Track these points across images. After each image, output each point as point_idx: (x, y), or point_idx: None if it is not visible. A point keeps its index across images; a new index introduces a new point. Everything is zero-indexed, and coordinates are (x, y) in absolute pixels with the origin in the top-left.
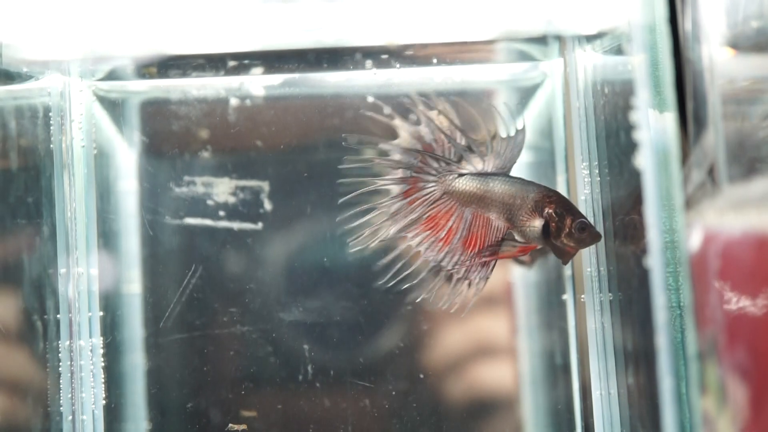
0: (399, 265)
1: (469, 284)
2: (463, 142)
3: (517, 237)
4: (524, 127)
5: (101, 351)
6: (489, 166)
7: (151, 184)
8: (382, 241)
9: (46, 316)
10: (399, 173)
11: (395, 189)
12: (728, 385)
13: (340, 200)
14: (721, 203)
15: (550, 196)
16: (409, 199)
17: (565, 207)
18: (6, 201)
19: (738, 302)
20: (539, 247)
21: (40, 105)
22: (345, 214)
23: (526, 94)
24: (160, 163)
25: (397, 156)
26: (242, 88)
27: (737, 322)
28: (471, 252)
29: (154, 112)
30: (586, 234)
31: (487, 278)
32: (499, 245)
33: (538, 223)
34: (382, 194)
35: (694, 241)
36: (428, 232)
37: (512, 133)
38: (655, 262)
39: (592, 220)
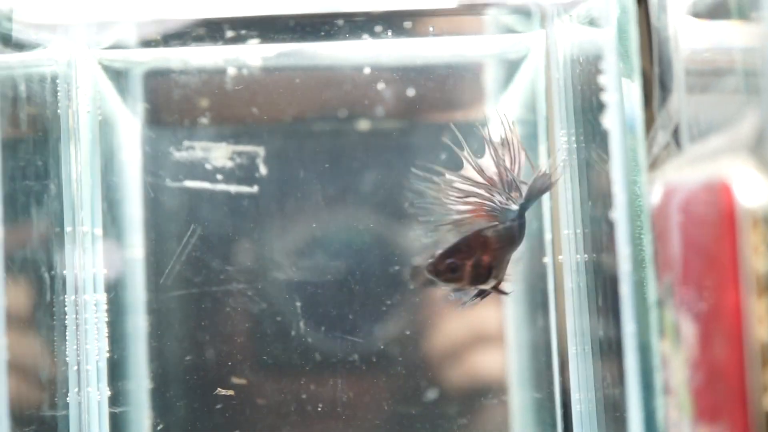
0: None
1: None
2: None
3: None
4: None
5: (105, 307)
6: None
7: (154, 150)
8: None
9: (53, 271)
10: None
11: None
12: (681, 326)
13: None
14: (681, 161)
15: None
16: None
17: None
18: (16, 161)
19: (690, 248)
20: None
21: (48, 72)
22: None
23: (512, 68)
24: (162, 130)
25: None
26: (239, 58)
27: (689, 267)
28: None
29: (157, 81)
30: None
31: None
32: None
33: None
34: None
35: (655, 195)
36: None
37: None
38: (619, 215)
39: (569, 184)
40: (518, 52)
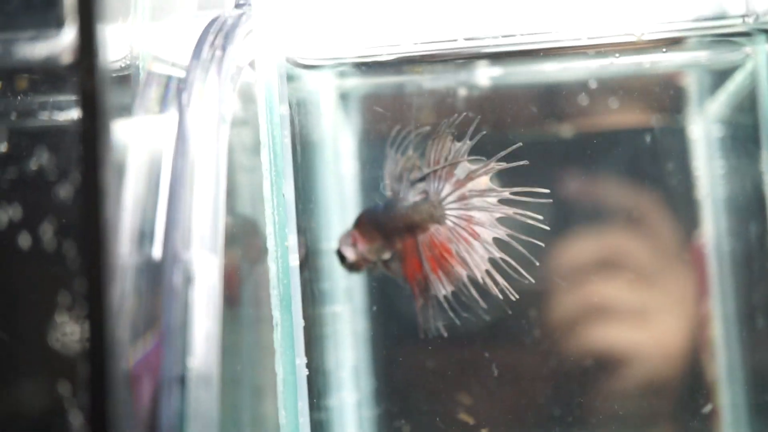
0: None
1: None
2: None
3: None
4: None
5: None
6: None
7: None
8: None
9: (314, 285)
10: None
11: None
12: None
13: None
14: None
15: None
16: None
17: None
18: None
19: None
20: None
21: (309, 99)
22: None
23: (722, 76)
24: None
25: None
26: (467, 79)
27: None
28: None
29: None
30: None
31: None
32: None
33: None
34: None
35: None
36: None
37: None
38: None
39: None
40: (733, 61)
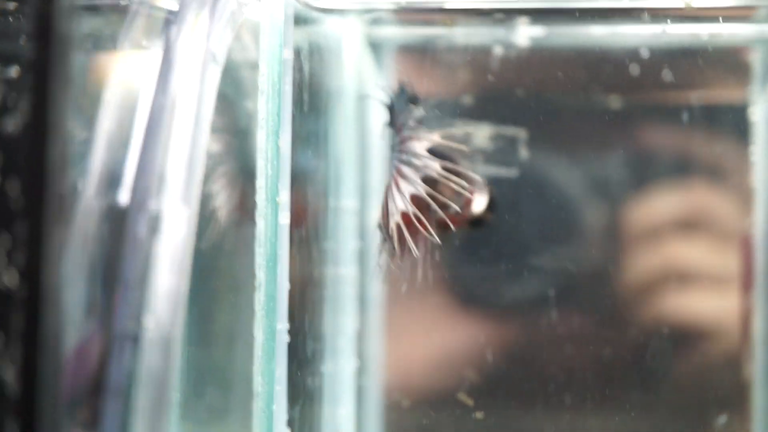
0: None
1: None
2: None
3: None
4: None
5: (355, 280)
6: None
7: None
8: None
9: (320, 245)
10: None
11: None
12: None
13: None
14: None
15: None
16: None
17: None
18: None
19: None
20: None
21: (327, 45)
22: None
23: None
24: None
25: None
26: (505, 37)
27: None
28: None
29: (416, 57)
30: None
31: None
32: None
33: None
34: None
35: None
36: None
37: None
38: None
39: None
40: None
